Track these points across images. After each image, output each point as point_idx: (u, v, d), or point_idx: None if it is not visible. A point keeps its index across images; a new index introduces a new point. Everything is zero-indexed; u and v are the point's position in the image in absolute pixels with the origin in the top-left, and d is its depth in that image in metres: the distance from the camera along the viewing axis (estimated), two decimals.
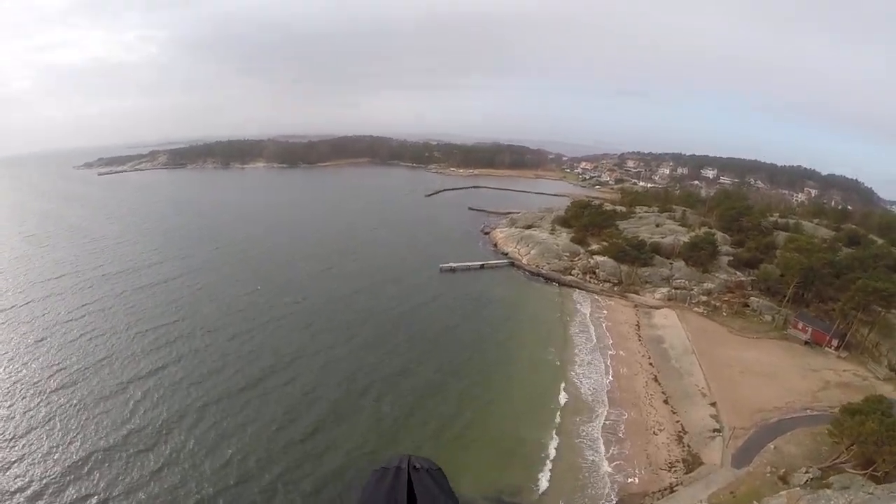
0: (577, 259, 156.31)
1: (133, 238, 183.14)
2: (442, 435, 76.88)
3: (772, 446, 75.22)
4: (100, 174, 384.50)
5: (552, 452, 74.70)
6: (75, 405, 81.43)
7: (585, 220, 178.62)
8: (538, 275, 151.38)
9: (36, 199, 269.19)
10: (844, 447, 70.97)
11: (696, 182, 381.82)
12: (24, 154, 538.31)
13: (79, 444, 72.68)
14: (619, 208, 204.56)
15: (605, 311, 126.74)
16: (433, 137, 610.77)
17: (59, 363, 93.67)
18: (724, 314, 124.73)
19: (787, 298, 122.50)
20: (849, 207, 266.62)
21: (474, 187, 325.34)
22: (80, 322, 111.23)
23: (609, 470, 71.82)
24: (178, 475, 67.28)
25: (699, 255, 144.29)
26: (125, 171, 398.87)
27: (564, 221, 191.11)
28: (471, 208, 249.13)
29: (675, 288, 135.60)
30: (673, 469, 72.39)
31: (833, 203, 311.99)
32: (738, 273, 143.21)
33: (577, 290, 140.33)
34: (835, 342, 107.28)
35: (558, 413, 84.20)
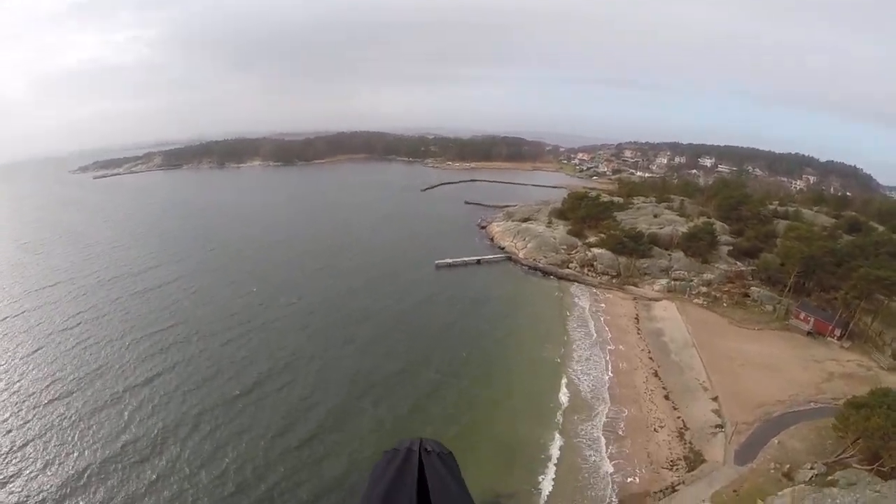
0: (574, 252, 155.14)
1: (128, 242, 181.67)
2: (442, 438, 72.04)
3: (776, 441, 74.25)
4: (95, 178, 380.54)
5: (553, 453, 73.75)
6: (71, 417, 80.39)
7: (582, 212, 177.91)
8: (535, 269, 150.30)
9: (31, 206, 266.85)
10: (850, 442, 70.10)
11: (694, 171, 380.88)
12: (20, 160, 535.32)
13: (75, 457, 71.68)
14: (616, 199, 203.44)
15: (603, 305, 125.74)
16: (430, 131, 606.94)
17: (53, 374, 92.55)
18: (725, 305, 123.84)
19: (788, 288, 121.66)
20: (848, 194, 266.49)
21: (471, 181, 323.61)
22: (75, 331, 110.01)
23: (610, 470, 70.76)
24: (175, 486, 66.42)
25: (698, 245, 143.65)
26: (121, 174, 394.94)
27: (561, 214, 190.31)
28: (467, 202, 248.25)
29: (675, 279, 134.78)
30: (675, 467, 71.32)
31: (832, 190, 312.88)
32: (738, 263, 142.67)
33: (576, 283, 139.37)
34: (837, 332, 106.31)
35: (559, 412, 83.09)
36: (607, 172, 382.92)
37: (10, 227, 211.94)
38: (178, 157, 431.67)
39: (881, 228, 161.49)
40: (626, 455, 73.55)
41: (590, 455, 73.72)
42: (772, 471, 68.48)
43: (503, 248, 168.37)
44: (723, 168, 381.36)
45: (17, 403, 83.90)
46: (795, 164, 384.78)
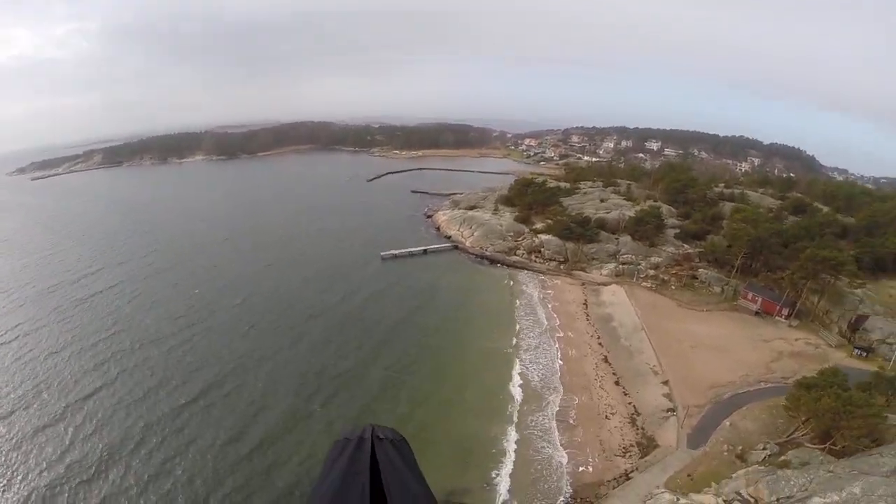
0: (521, 239, 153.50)
1: (68, 246, 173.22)
2: None
3: (727, 423, 74.26)
4: (33, 179, 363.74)
5: (506, 447, 72.64)
6: (12, 439, 75.44)
7: (529, 199, 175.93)
8: (483, 257, 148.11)
9: None
10: (801, 421, 70.13)
11: (641, 155, 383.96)
12: None
13: (18, 483, 67.35)
14: (563, 184, 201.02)
15: (551, 292, 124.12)
16: (376, 120, 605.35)
17: None
18: (673, 287, 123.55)
19: (735, 269, 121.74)
20: (792, 176, 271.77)
21: (418, 169, 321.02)
22: (13, 346, 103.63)
23: (563, 460, 69.61)
24: None
25: (645, 229, 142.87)
26: (60, 174, 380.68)
27: (508, 200, 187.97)
28: (413, 191, 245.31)
29: (622, 263, 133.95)
30: (627, 454, 70.52)
31: (776, 171, 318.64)
32: (685, 245, 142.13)
33: (524, 270, 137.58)
34: (785, 311, 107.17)
35: (510, 405, 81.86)
36: (554, 158, 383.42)
37: None
38: (118, 154, 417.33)
39: (826, 209, 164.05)
40: (579, 444, 72.55)
41: (542, 447, 72.51)
42: (725, 453, 68.26)
43: (450, 237, 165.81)
44: (669, 151, 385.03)
45: None
46: (740, 146, 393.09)
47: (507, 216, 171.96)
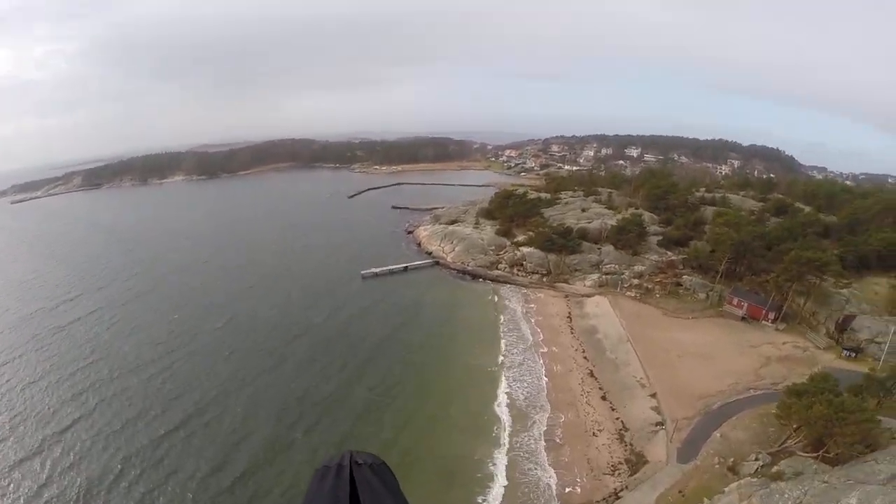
0: (503, 252, 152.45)
1: (47, 271, 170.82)
2: None
3: (718, 435, 72.89)
4: (13, 202, 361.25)
5: (492, 470, 71.09)
6: None
7: (510, 211, 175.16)
8: (465, 272, 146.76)
9: None
10: (792, 429, 68.73)
11: (621, 162, 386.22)
12: None
13: None
14: (543, 195, 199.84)
15: (534, 306, 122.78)
16: (356, 135, 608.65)
17: None
18: (658, 296, 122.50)
19: (719, 274, 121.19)
20: (773, 177, 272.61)
21: (398, 184, 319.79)
22: None
23: (550, 482, 67.83)
24: None
25: (627, 237, 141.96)
26: (40, 198, 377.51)
27: (489, 214, 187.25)
28: (394, 207, 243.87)
29: (606, 273, 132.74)
30: (616, 472, 68.96)
31: (756, 173, 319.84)
32: (668, 252, 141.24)
33: (506, 284, 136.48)
34: (771, 315, 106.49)
35: (496, 426, 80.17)
36: (535, 168, 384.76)
37: None
38: (98, 176, 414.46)
39: (807, 209, 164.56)
40: (566, 464, 71.05)
41: (529, 468, 71.01)
42: (716, 466, 67.02)
43: (431, 253, 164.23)
44: (649, 157, 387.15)
45: None
46: (719, 149, 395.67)
47: (489, 230, 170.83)
